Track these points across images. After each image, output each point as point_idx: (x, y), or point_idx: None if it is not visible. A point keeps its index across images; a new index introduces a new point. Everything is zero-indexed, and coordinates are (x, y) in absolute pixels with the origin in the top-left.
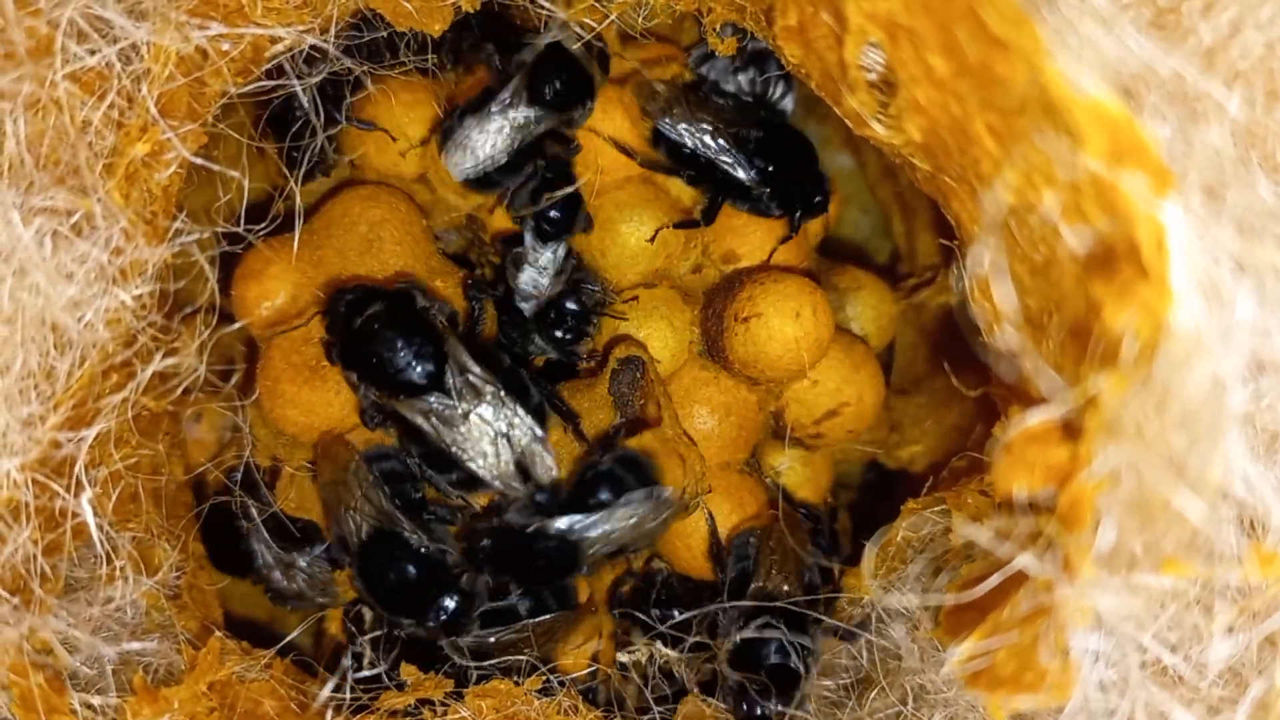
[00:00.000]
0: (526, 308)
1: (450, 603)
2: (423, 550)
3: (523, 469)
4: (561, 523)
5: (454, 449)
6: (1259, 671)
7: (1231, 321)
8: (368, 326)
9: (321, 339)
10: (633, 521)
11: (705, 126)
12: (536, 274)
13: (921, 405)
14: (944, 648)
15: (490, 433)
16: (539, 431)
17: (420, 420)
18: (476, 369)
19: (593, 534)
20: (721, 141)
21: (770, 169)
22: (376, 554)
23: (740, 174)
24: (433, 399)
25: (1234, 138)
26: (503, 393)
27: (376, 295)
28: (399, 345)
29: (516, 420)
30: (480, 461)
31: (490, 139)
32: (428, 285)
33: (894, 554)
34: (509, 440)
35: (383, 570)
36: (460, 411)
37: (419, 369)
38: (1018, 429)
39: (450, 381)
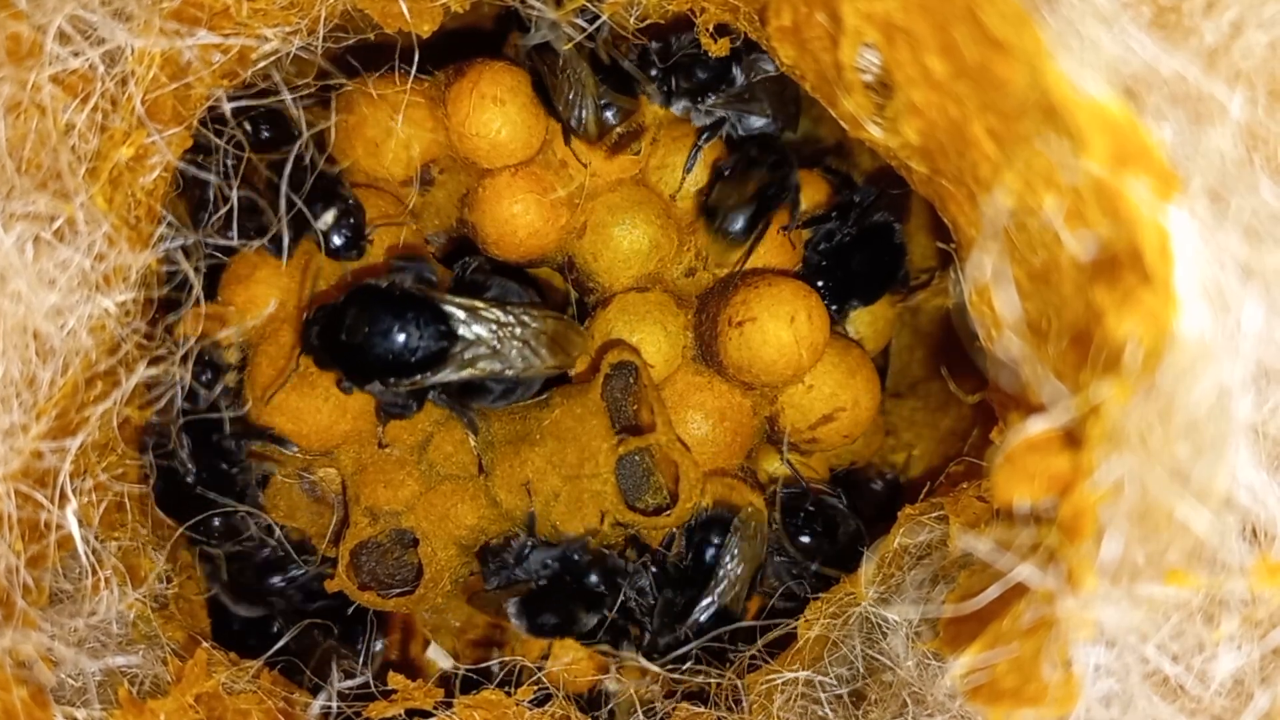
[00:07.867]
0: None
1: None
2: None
3: (560, 348)
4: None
5: (509, 374)
6: (1263, 682)
7: (1237, 328)
8: (354, 338)
9: (333, 377)
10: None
11: None
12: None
13: (917, 409)
14: (943, 659)
15: (518, 342)
16: (555, 314)
17: (464, 374)
18: (475, 302)
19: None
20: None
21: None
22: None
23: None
24: (458, 349)
25: (1237, 140)
26: (509, 305)
27: (339, 306)
28: (395, 332)
29: (529, 317)
30: (529, 369)
31: None
32: (386, 260)
33: (890, 560)
34: (540, 336)
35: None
36: (493, 344)
37: (430, 336)
38: (1017, 437)
39: (464, 329)
